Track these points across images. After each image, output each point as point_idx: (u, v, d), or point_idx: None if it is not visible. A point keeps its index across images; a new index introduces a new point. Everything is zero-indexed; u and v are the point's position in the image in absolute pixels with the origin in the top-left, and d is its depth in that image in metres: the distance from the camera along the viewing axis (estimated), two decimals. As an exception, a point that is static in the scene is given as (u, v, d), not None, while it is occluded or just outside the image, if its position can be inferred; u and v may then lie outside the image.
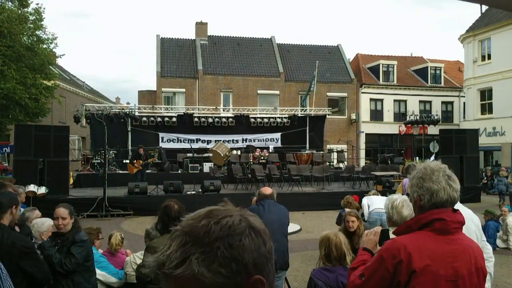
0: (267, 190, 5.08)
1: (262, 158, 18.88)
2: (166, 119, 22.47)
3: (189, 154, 20.54)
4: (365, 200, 7.03)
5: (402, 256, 1.82)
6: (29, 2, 23.53)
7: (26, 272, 3.24)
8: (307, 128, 24.17)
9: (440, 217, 1.88)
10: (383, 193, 9.15)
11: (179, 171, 19.50)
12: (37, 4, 24.02)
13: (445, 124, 31.30)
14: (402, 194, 7.29)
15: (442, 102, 34.70)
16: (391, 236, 2.13)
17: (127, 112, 22.66)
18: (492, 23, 27.27)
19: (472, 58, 28.45)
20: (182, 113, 23.15)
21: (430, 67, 34.90)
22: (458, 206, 3.18)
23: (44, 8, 23.71)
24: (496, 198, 17.20)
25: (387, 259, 1.85)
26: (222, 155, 17.83)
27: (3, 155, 25.80)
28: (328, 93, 32.04)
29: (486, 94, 28.07)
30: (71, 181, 17.27)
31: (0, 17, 20.77)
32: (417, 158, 28.18)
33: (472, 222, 3.12)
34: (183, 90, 30.51)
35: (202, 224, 0.82)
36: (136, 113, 23.21)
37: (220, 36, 34.37)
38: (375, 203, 6.76)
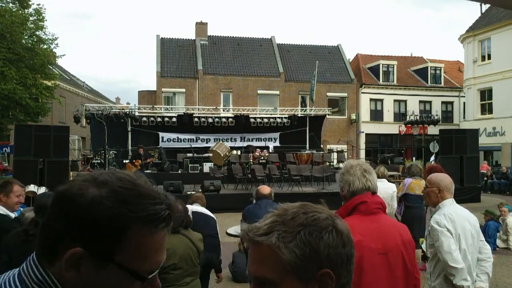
0: (265, 189, 5.05)
1: (262, 158, 18.85)
2: (166, 119, 22.45)
3: (189, 154, 20.49)
4: None
5: None
6: (29, 3, 23.53)
7: None
8: (307, 128, 24.17)
9: (362, 200, 2.16)
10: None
11: (179, 171, 19.46)
12: (38, 5, 23.95)
13: (445, 124, 31.27)
14: (403, 194, 7.35)
15: (442, 102, 34.69)
16: None
17: (127, 112, 22.66)
18: (492, 23, 27.26)
19: (472, 58, 28.44)
20: (182, 113, 23.12)
21: (430, 67, 34.89)
22: (455, 205, 3.18)
23: (45, 9, 23.74)
24: (496, 198, 17.24)
25: None
26: (222, 155, 17.79)
27: (3, 155, 25.76)
28: (328, 93, 32.05)
29: (486, 94, 28.06)
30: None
31: (5, 21, 20.74)
32: (415, 158, 28.17)
33: (467, 222, 3.10)
34: (183, 90, 30.51)
35: (292, 211, 0.96)
36: (136, 113, 23.22)
37: (220, 36, 34.37)
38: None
